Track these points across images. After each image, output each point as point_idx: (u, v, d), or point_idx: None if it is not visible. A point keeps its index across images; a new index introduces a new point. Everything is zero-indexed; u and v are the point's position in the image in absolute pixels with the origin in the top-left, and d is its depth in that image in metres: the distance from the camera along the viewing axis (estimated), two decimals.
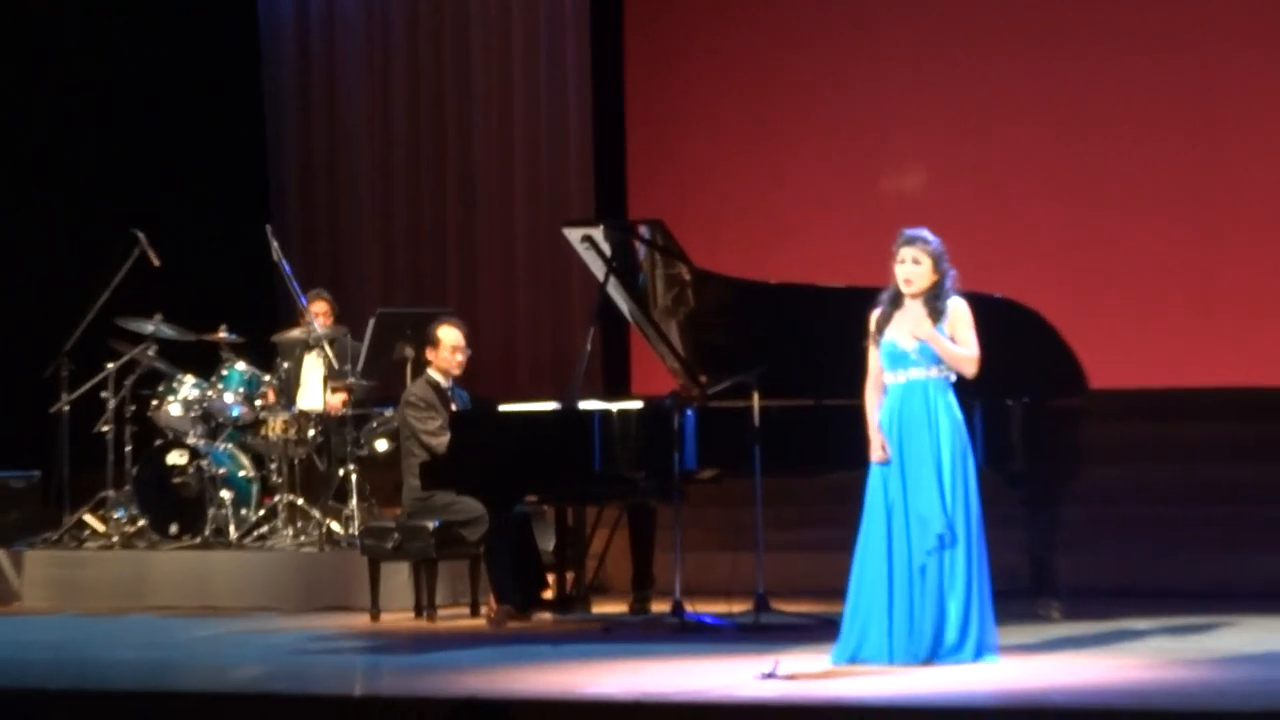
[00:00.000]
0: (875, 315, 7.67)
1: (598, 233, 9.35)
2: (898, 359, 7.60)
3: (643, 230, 9.44)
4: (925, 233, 7.63)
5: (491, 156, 13.51)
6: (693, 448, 8.93)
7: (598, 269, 9.43)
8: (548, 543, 9.84)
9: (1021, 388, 9.08)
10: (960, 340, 7.58)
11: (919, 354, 7.57)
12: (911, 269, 7.57)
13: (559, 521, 9.85)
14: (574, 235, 9.42)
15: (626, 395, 10.60)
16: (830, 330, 8.27)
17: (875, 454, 7.58)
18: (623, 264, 9.39)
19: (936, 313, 7.56)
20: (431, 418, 9.63)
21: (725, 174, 12.88)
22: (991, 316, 8.56)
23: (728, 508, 10.42)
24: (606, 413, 9.02)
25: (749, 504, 9.02)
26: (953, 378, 7.62)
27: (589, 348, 9.29)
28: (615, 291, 9.53)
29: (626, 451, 8.96)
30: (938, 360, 7.57)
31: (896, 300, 7.63)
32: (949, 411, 7.56)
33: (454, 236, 13.65)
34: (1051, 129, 12.18)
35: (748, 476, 8.95)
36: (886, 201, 12.25)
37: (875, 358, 7.66)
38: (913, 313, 7.59)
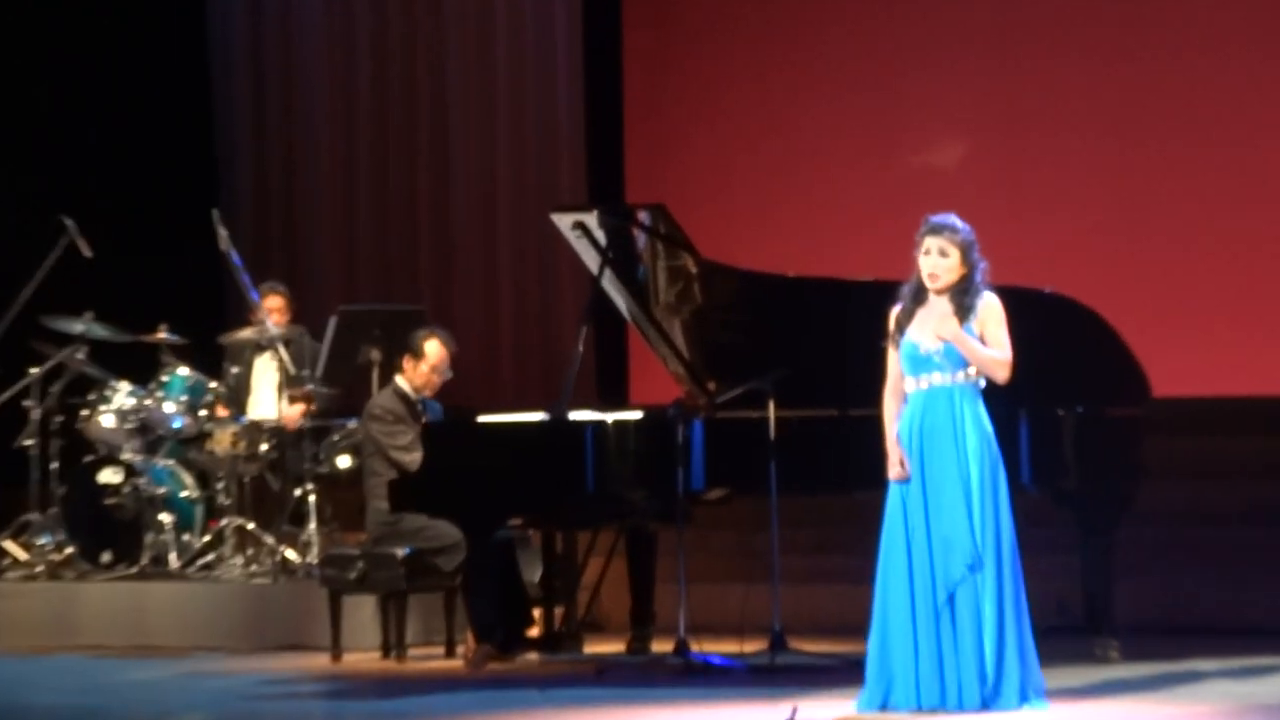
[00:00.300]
0: (895, 312, 7.64)
1: (591, 219, 9.35)
2: (919, 362, 7.56)
3: (642, 216, 9.43)
4: (954, 219, 7.58)
5: (470, 136, 13.53)
6: (699, 464, 8.93)
7: (591, 260, 9.42)
8: (534, 573, 9.83)
9: (1074, 395, 9.07)
10: (991, 341, 7.54)
11: (944, 356, 7.53)
12: (937, 261, 7.52)
13: (546, 548, 9.84)
14: (564, 222, 9.42)
15: (624, 404, 10.62)
16: (856, 329, 8.22)
17: (893, 470, 7.53)
18: (620, 254, 9.38)
19: (964, 310, 7.52)
20: (401, 431, 9.64)
21: (735, 159, 12.92)
22: (1040, 314, 8.58)
23: (739, 532, 10.41)
24: (601, 424, 9.00)
25: (763, 528, 9.00)
26: (981, 384, 7.57)
27: (581, 350, 9.28)
28: (611, 286, 9.53)
29: (624, 468, 8.95)
30: (965, 364, 7.52)
31: (919, 295, 7.59)
32: (977, 422, 7.52)
33: (427, 224, 13.66)
34: (1098, 114, 12.23)
35: (763, 496, 8.93)
36: (913, 188, 12.27)
37: (894, 360, 7.62)
38: (937, 310, 7.55)
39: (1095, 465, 9.06)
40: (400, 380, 9.84)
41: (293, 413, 11.00)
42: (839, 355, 8.82)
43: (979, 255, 7.56)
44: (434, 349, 9.80)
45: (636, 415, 9.16)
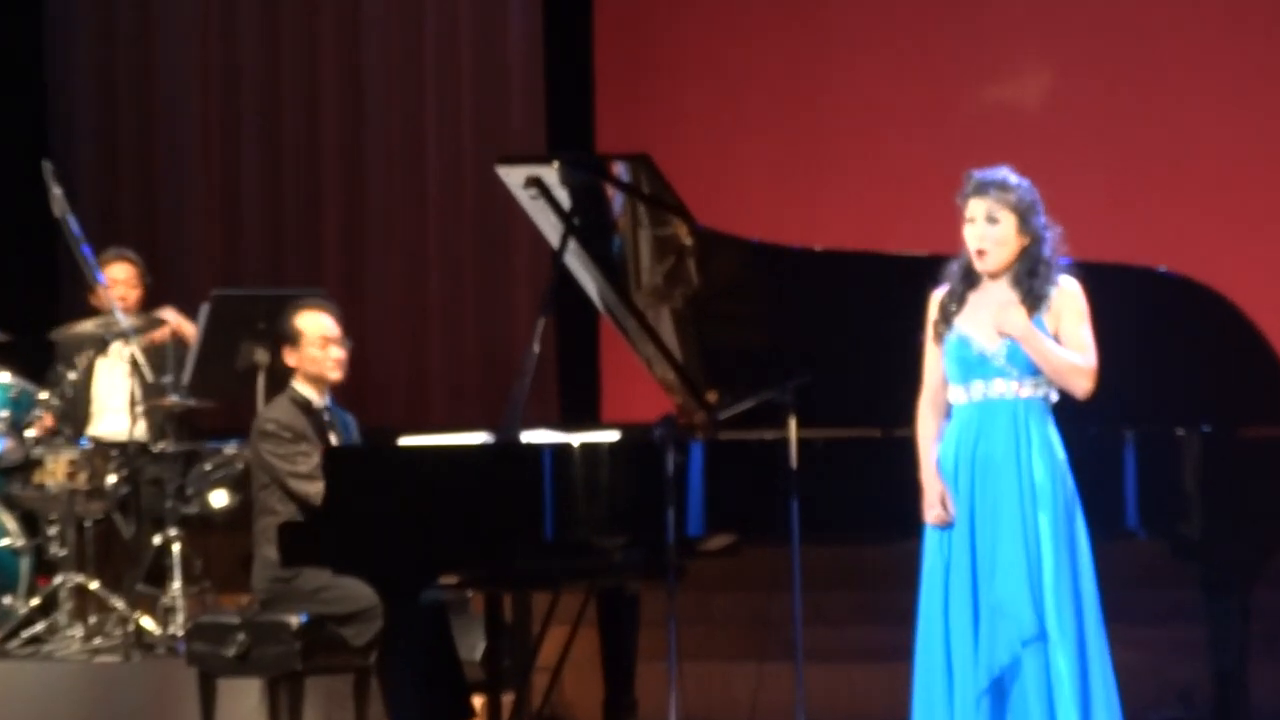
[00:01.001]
0: (938, 296, 7.69)
1: (550, 173, 9.35)
2: (972, 365, 7.61)
3: (619, 169, 9.44)
4: (1006, 174, 7.64)
5: (391, 69, 13.84)
6: (697, 502, 8.91)
7: (550, 229, 9.43)
8: (474, 648, 9.84)
9: (1197, 410, 9.09)
10: (1068, 340, 7.59)
11: (1007, 359, 7.59)
12: (985, 231, 7.59)
13: (491, 616, 9.86)
14: (514, 177, 9.42)
15: (595, 422, 10.65)
16: (905, 321, 8.21)
17: (931, 511, 7.59)
18: (589, 221, 9.38)
19: (1035, 299, 7.58)
20: (302, 454, 9.65)
21: (739, 97, 13.13)
22: (1151, 302, 8.76)
23: (750, 594, 10.39)
24: (564, 447, 8.97)
25: (782, 588, 8.96)
26: (1054, 397, 7.59)
27: (537, 350, 9.24)
28: (577, 263, 9.53)
29: (594, 507, 8.92)
30: (1034, 370, 7.57)
31: (971, 276, 7.62)
32: (1046, 448, 7.55)
33: (332, 183, 13.83)
34: (1237, 40, 12.50)
35: (781, 546, 8.88)
36: (979, 135, 12.48)
37: (936, 360, 7.68)
38: (995, 296, 7.61)
39: (1226, 503, 9.06)
40: (297, 385, 9.82)
41: (146, 428, 10.93)
42: (881, 355, 8.74)
43: (1045, 221, 7.60)
44: (310, 320, 9.80)
45: (611, 436, 9.19)
